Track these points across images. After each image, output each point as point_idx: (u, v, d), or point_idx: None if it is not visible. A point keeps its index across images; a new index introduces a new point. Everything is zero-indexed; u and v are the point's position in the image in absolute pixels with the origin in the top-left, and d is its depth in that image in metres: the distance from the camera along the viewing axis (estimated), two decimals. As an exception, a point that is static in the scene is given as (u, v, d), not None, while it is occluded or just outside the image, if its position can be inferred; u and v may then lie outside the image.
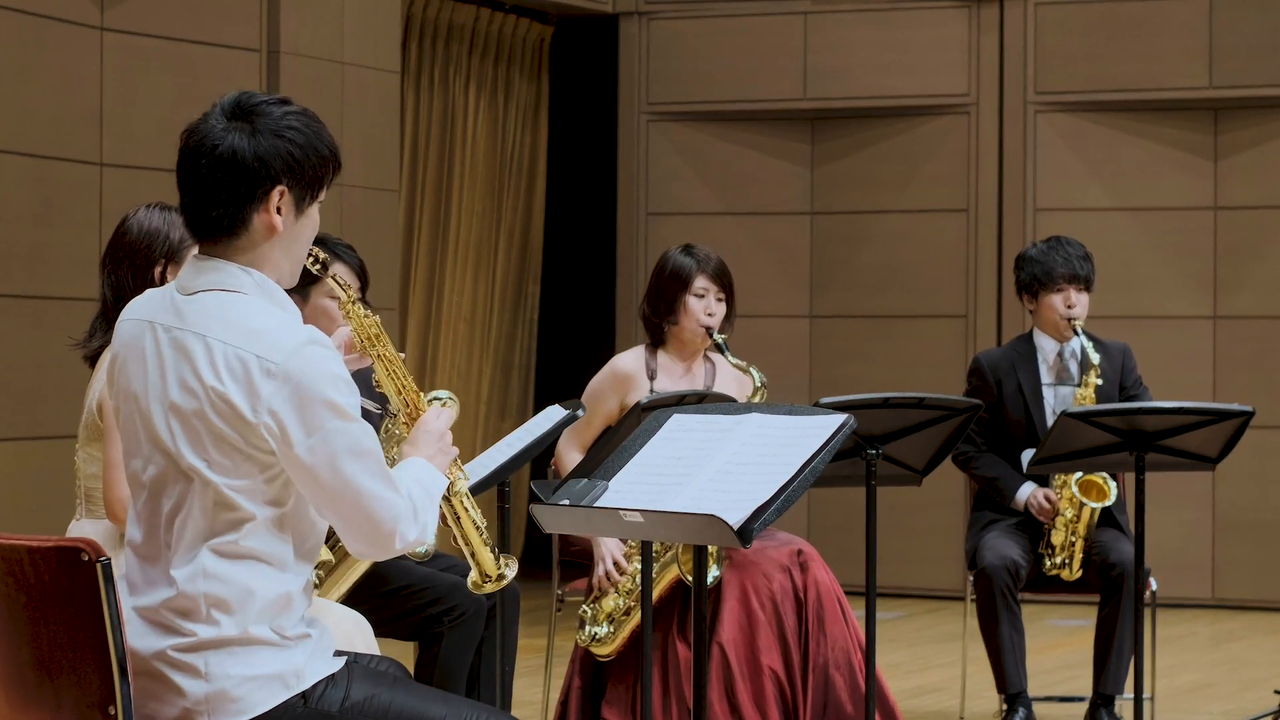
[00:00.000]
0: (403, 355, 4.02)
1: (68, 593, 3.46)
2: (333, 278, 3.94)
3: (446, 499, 3.91)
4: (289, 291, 3.66)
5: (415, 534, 3.58)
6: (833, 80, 10.99)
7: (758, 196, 11.22)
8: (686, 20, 11.23)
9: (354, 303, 3.91)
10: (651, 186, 11.30)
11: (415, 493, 3.62)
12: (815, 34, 11.02)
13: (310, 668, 3.53)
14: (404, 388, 3.90)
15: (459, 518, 3.97)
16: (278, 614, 3.52)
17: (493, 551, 4.05)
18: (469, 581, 4.10)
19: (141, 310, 3.62)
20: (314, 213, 3.61)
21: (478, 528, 3.99)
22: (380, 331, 3.93)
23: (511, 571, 4.06)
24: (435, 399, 5.43)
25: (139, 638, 3.52)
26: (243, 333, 3.47)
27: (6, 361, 7.70)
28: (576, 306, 12.68)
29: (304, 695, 3.51)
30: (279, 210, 3.53)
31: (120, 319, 3.65)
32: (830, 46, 10.99)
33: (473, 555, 4.02)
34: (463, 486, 3.96)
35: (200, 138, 3.53)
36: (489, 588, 4.06)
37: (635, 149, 11.29)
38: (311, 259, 3.76)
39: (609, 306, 11.52)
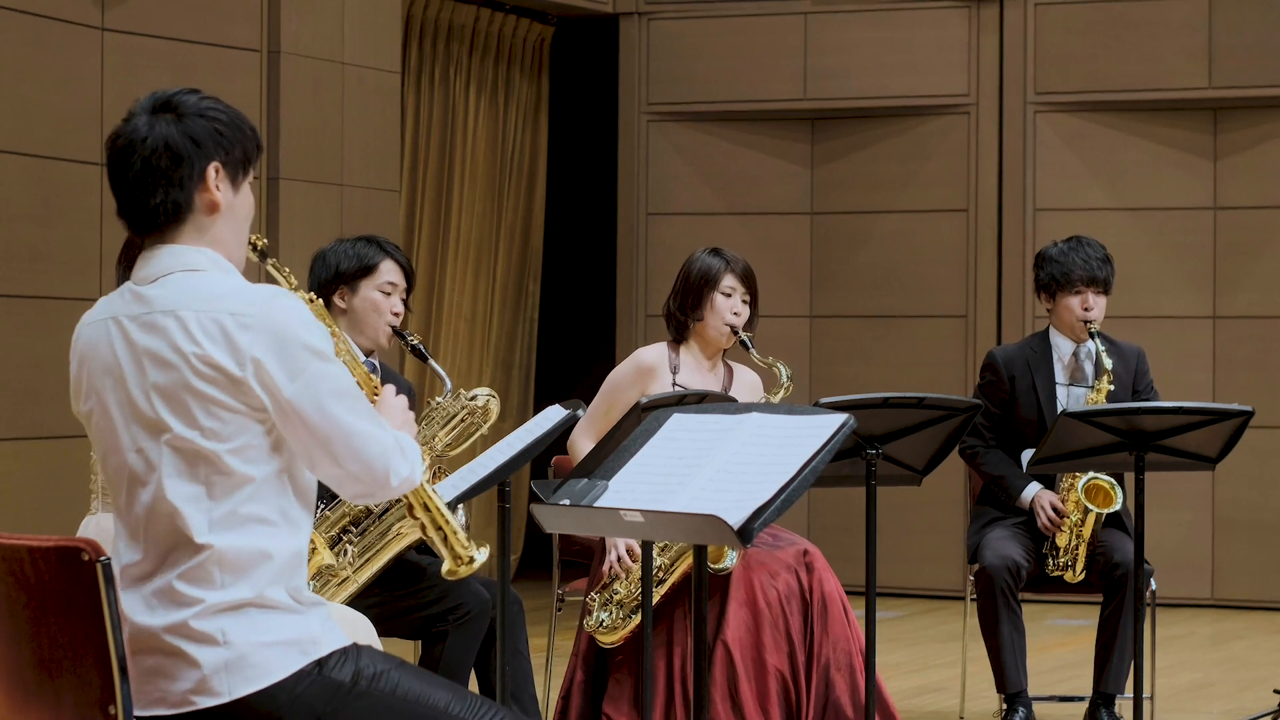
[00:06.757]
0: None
1: (68, 593, 3.46)
2: (272, 265, 3.99)
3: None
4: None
5: (407, 471, 3.63)
6: (833, 80, 10.99)
7: (758, 196, 11.22)
8: (686, 20, 11.23)
9: (296, 289, 3.98)
10: (651, 186, 11.30)
11: (399, 435, 3.67)
12: (815, 34, 11.02)
13: (325, 637, 3.57)
14: (354, 369, 3.96)
15: (426, 505, 4.03)
16: (292, 574, 3.55)
17: (462, 535, 4.11)
18: (443, 570, 4.15)
19: (98, 312, 3.67)
20: (248, 191, 3.69)
21: (444, 513, 4.04)
22: (323, 312, 4.01)
23: (482, 555, 4.13)
24: (477, 395, 5.53)
25: (148, 616, 3.53)
26: (211, 298, 3.53)
27: (6, 361, 7.70)
28: (576, 306, 12.68)
29: (319, 663, 3.53)
30: (217, 187, 3.61)
31: (79, 325, 3.69)
32: (830, 46, 10.99)
33: (444, 541, 4.08)
34: (424, 474, 4.02)
35: (129, 136, 3.60)
36: (463, 571, 4.12)
37: (635, 149, 11.29)
38: (250, 246, 3.80)
39: (609, 306, 11.52)
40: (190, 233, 3.60)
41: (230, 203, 3.62)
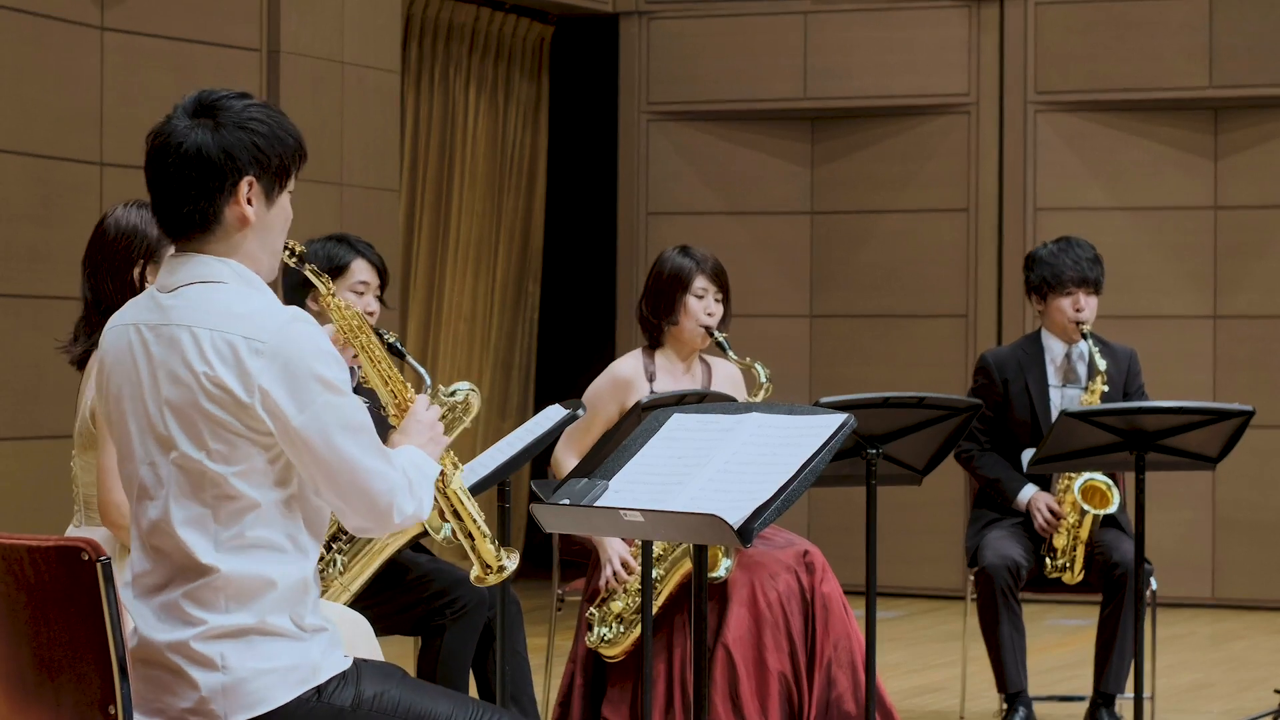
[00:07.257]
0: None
1: (68, 592, 3.46)
2: (310, 270, 3.93)
3: (441, 491, 3.92)
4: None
5: (412, 508, 3.60)
6: (833, 80, 10.99)
7: (758, 196, 11.22)
8: (686, 20, 11.23)
9: (332, 295, 3.92)
10: (651, 186, 11.30)
11: (410, 469, 3.64)
12: (815, 34, 11.02)
13: (325, 663, 3.55)
14: (390, 378, 3.91)
15: (456, 511, 3.99)
16: (296, 601, 3.54)
17: (493, 543, 4.06)
18: (471, 576, 4.11)
19: (124, 316, 3.64)
20: (285, 202, 3.64)
21: (475, 520, 4.01)
22: (362, 322, 3.95)
23: (512, 563, 4.07)
24: (456, 390, 5.49)
25: (154, 629, 3.52)
26: (228, 318, 3.50)
27: (6, 361, 7.70)
28: (576, 306, 12.68)
29: (318, 690, 3.53)
30: (249, 201, 3.56)
31: (105, 329, 3.67)
32: (830, 46, 10.99)
33: (473, 548, 4.04)
34: (457, 480, 3.97)
35: (165, 138, 3.56)
36: (491, 580, 4.08)
37: (635, 149, 11.29)
38: (287, 252, 3.76)
39: (609, 306, 11.52)
40: (218, 242, 3.57)
41: (261, 217, 3.58)
